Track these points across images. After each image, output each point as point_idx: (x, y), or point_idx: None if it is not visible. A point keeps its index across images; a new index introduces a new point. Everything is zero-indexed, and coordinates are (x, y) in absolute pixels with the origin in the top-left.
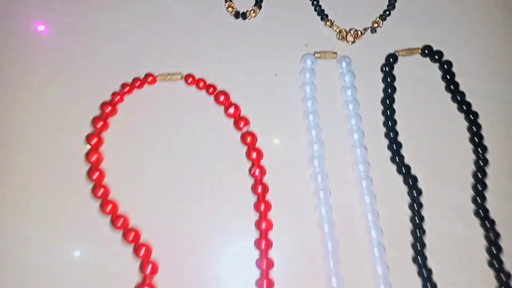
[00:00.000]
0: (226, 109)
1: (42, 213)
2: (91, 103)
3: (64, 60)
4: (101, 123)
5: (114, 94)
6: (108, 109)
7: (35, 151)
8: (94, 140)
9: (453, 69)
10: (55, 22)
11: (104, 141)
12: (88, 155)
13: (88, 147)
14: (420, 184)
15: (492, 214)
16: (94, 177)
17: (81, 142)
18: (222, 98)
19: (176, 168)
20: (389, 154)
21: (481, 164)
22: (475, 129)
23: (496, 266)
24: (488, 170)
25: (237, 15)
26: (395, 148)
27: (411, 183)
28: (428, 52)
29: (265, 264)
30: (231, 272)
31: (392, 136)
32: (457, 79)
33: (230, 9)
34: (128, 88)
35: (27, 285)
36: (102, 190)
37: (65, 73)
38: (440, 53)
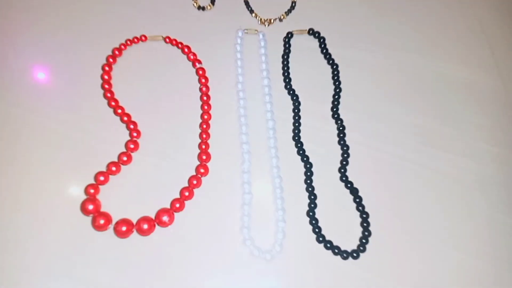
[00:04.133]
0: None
1: None
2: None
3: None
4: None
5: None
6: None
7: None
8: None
9: (326, 42)
10: None
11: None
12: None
13: None
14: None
15: None
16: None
17: None
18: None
19: None
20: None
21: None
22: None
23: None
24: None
25: (199, 8)
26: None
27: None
28: (312, 32)
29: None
30: None
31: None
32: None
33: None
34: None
35: None
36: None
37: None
38: (318, 33)
